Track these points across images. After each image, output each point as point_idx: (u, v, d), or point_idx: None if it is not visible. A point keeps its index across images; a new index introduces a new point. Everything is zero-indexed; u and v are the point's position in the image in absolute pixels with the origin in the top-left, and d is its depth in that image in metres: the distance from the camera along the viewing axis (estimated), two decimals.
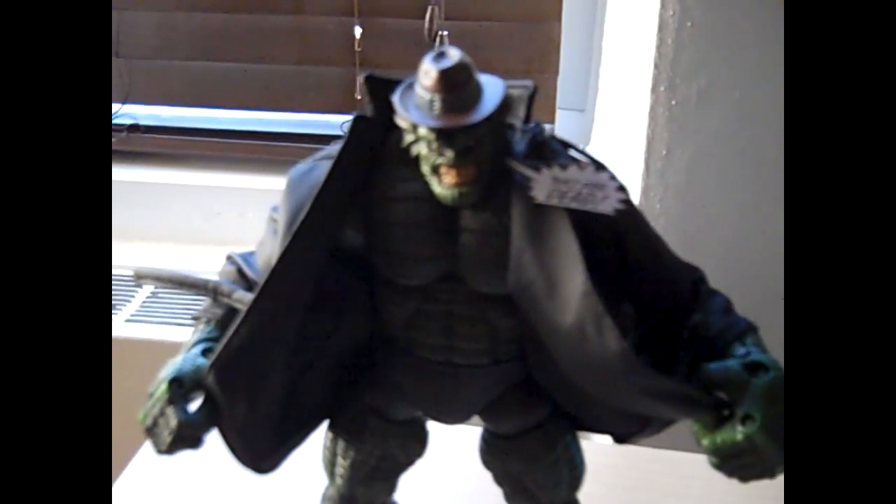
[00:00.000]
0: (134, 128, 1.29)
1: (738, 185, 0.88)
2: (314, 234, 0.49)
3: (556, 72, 1.18)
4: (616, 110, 1.01)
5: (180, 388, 0.50)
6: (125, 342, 1.14)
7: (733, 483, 0.69)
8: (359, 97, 1.23)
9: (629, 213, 0.48)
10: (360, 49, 1.20)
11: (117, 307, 1.18)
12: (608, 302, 0.45)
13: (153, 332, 1.14)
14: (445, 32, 1.15)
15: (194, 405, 0.51)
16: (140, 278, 0.57)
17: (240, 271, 0.55)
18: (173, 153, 1.32)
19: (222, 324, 0.53)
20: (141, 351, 1.14)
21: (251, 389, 0.50)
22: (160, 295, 1.21)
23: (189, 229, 1.30)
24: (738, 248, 0.89)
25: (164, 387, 0.50)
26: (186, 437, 0.49)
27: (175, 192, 1.30)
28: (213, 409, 0.50)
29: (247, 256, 0.56)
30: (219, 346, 0.49)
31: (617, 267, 0.49)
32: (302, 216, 0.48)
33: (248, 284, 0.54)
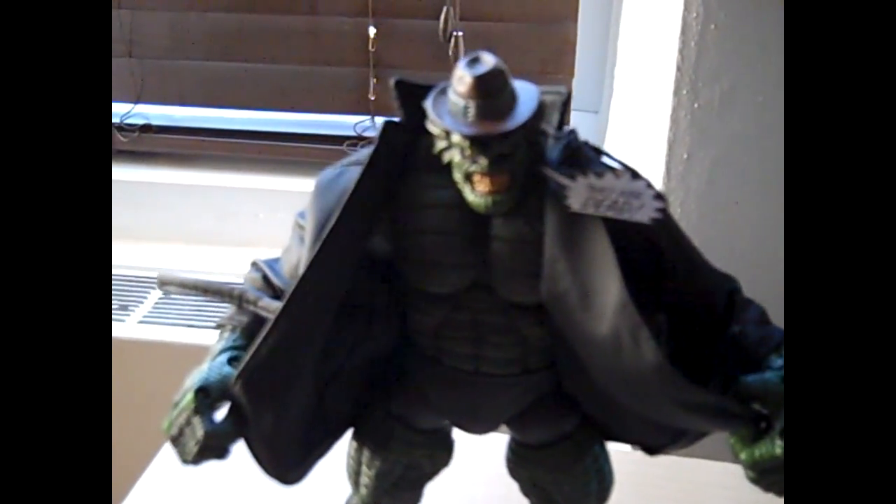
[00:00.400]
0: (146, 128, 1.28)
1: (761, 189, 0.87)
2: (343, 241, 0.48)
3: (572, 73, 1.17)
4: (634, 113, 1.00)
5: (206, 397, 0.49)
6: (137, 344, 1.14)
7: (757, 492, 0.69)
8: (372, 98, 1.22)
9: (664, 222, 0.47)
10: (373, 50, 1.19)
11: (129, 308, 1.18)
12: (644, 313, 0.45)
13: (165, 335, 1.13)
14: (460, 33, 1.14)
15: (220, 414, 0.50)
16: (164, 285, 0.57)
17: (265, 278, 0.54)
18: (186, 153, 1.32)
19: (248, 332, 0.52)
20: (153, 353, 1.14)
21: (278, 399, 0.50)
22: (172, 297, 1.21)
23: (201, 230, 1.29)
24: (760, 253, 0.88)
25: (190, 396, 0.49)
26: (213, 447, 0.49)
27: (187, 192, 1.29)
28: (239, 419, 0.50)
29: (272, 263, 0.55)
30: (246, 356, 0.49)
31: (651, 276, 0.48)
32: (331, 224, 0.48)
33: (273, 292, 0.53)
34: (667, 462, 0.79)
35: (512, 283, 0.49)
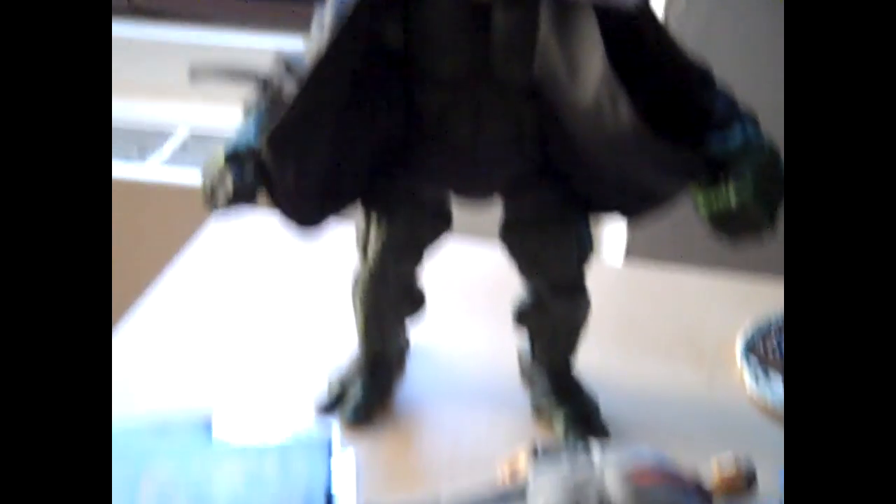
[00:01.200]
0: None
1: (759, 35, 0.90)
2: (359, 26, 0.55)
3: None
4: None
5: (236, 159, 0.56)
6: (156, 188, 1.21)
7: (736, 302, 0.76)
8: None
9: (648, 16, 0.53)
10: None
11: (147, 154, 1.25)
12: (623, 83, 0.51)
13: (184, 178, 1.21)
14: None
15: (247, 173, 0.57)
16: (195, 75, 0.63)
17: (287, 67, 0.60)
18: (199, 12, 1.35)
19: (271, 112, 0.59)
20: (169, 195, 1.21)
21: (300, 159, 0.57)
22: (189, 146, 1.28)
23: (206, 87, 1.34)
24: (757, 98, 0.92)
25: (222, 158, 0.56)
26: (242, 195, 0.56)
27: (199, 51, 1.34)
28: (264, 175, 0.56)
29: (294, 56, 0.61)
30: (272, 125, 0.55)
31: (632, 60, 0.54)
32: (349, 11, 0.54)
33: (296, 79, 0.59)
34: (648, 273, 0.87)
35: (509, 63, 0.56)
